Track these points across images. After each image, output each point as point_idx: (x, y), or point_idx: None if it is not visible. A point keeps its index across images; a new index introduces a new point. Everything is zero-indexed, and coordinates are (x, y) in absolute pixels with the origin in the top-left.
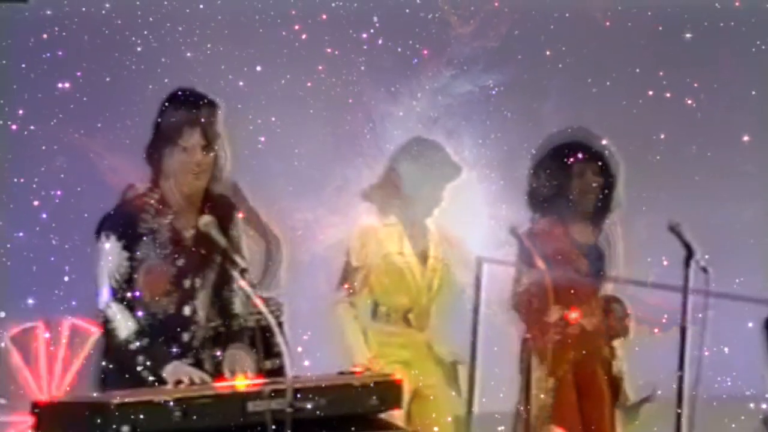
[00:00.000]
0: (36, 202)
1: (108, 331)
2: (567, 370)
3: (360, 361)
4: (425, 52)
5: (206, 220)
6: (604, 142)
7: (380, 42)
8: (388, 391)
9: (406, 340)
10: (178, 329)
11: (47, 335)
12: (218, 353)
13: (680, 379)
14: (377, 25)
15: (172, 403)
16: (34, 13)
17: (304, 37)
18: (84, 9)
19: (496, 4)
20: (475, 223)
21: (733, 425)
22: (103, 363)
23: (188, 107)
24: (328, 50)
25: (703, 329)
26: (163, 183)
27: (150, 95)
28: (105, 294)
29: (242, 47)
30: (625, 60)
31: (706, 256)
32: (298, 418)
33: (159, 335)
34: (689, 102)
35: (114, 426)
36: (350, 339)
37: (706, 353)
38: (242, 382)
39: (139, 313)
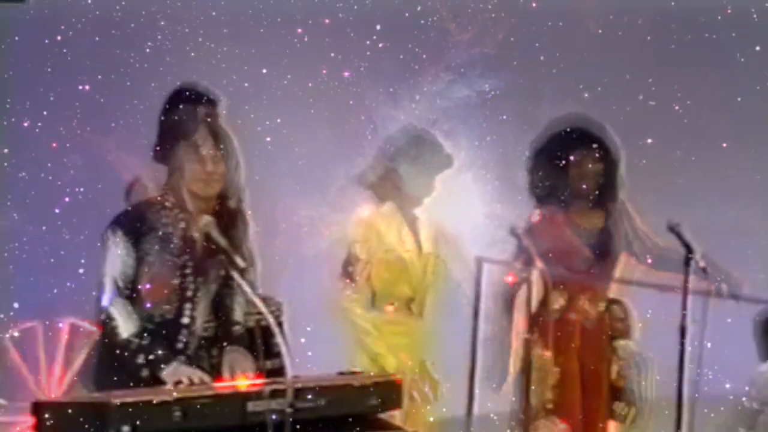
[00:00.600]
0: (36, 202)
1: (109, 329)
2: (572, 361)
3: (374, 352)
4: (424, 56)
5: (206, 220)
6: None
7: (381, 46)
8: (388, 391)
9: (407, 328)
10: (179, 331)
11: (47, 335)
12: (216, 355)
13: (680, 379)
14: (379, 30)
15: (172, 403)
16: (34, 13)
17: (306, 40)
18: (85, 9)
19: (493, 14)
20: (470, 221)
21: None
22: (103, 362)
23: (195, 107)
24: (332, 54)
25: (703, 329)
26: (174, 184)
27: (154, 95)
28: (109, 292)
29: (248, 50)
30: (615, 66)
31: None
32: (298, 418)
33: (160, 336)
34: (676, 107)
35: (114, 426)
36: (361, 332)
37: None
38: (242, 382)
39: (143, 313)
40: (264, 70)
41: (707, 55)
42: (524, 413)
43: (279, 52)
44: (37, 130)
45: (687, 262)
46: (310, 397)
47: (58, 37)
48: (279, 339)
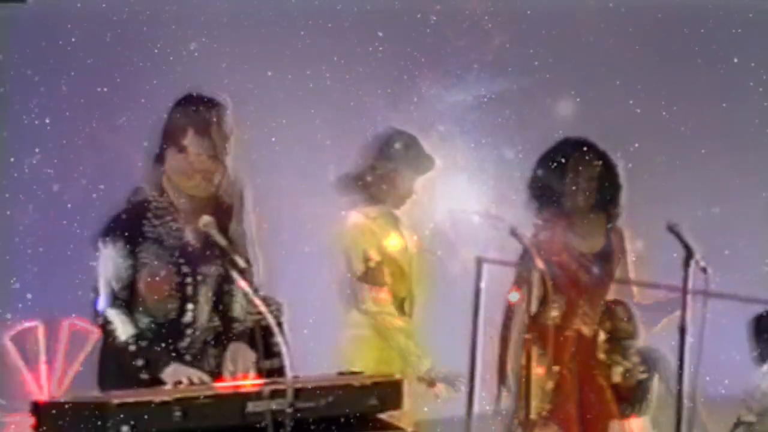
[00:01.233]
0: (36, 202)
1: (107, 333)
2: (567, 369)
3: (414, 353)
4: (423, 60)
5: (206, 220)
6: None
7: (381, 50)
8: (388, 391)
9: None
10: (178, 332)
11: (47, 335)
12: (219, 353)
13: (680, 379)
14: (380, 36)
15: (172, 403)
16: (34, 13)
17: (308, 42)
18: (86, 9)
19: (490, 24)
20: (465, 221)
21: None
22: (105, 367)
23: (194, 110)
24: (335, 58)
25: (702, 329)
26: (168, 186)
27: (153, 96)
28: (105, 297)
29: (252, 51)
30: (606, 73)
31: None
32: (298, 418)
33: (159, 338)
34: (664, 113)
35: (114, 426)
36: (399, 333)
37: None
38: (242, 383)
39: (140, 316)
40: (269, 72)
41: (696, 61)
42: (521, 423)
43: (282, 54)
44: (39, 130)
45: (687, 262)
46: (310, 397)
47: (59, 38)
48: (279, 339)
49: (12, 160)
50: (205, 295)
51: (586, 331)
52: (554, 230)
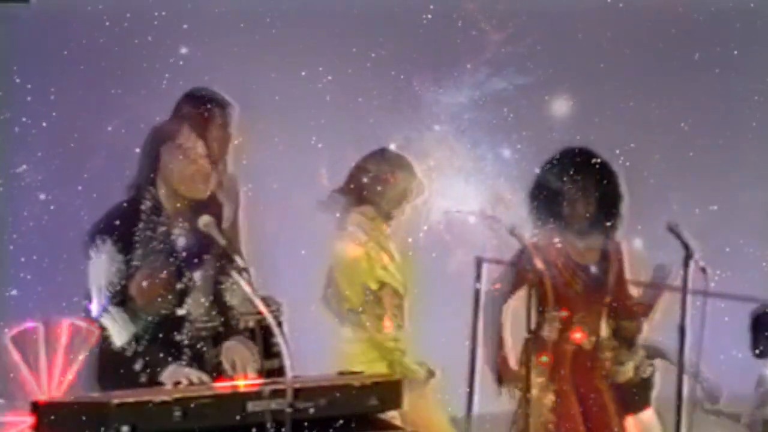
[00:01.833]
0: (36, 202)
1: (103, 338)
2: (567, 384)
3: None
4: (418, 60)
5: (206, 220)
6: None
7: (376, 50)
8: (388, 392)
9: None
10: (174, 331)
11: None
12: (216, 351)
13: (680, 379)
14: (375, 37)
15: (171, 403)
16: (37, 14)
17: (305, 45)
18: (88, 9)
19: (486, 24)
20: (464, 222)
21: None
22: (100, 372)
23: (197, 110)
24: (330, 59)
25: (702, 329)
26: (161, 185)
27: (159, 95)
28: (99, 302)
29: (247, 54)
30: (603, 71)
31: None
32: (298, 418)
33: (155, 338)
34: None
35: (114, 426)
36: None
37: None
38: (242, 382)
39: (137, 316)
40: (262, 74)
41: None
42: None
43: (277, 55)
44: (40, 130)
45: (686, 262)
46: (309, 397)
47: (62, 38)
48: (279, 339)
49: (15, 158)
50: (199, 289)
51: (585, 344)
52: (552, 241)
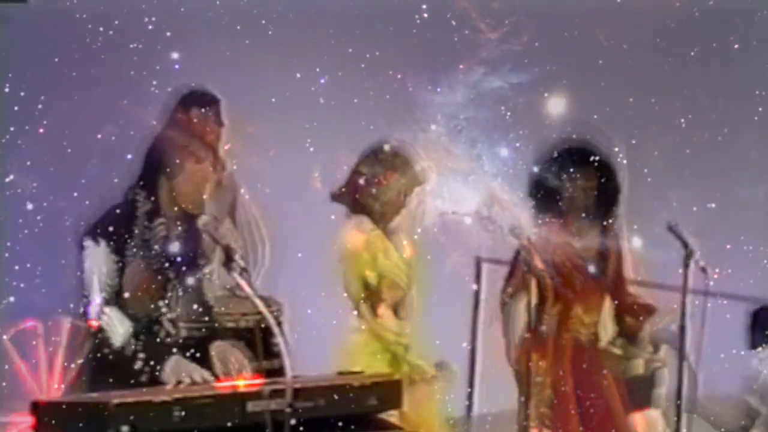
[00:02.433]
0: (35, 202)
1: (102, 339)
2: (565, 380)
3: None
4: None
5: (205, 220)
6: (614, 147)
7: (371, 51)
8: (388, 391)
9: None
10: (162, 331)
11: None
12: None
13: (680, 379)
14: (370, 37)
15: (171, 403)
16: (35, 13)
17: (300, 46)
18: (87, 9)
19: (480, 22)
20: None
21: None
22: (97, 372)
23: (202, 114)
24: (325, 59)
25: (702, 328)
26: (163, 190)
27: (157, 96)
28: (96, 302)
29: (242, 56)
30: (600, 68)
31: None
32: (298, 418)
33: (151, 336)
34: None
35: (113, 426)
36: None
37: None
38: (242, 382)
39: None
40: (255, 76)
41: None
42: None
43: (273, 57)
44: (34, 136)
45: (686, 262)
46: (309, 396)
47: (60, 38)
48: (279, 339)
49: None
50: (186, 292)
51: (582, 338)
52: (551, 233)
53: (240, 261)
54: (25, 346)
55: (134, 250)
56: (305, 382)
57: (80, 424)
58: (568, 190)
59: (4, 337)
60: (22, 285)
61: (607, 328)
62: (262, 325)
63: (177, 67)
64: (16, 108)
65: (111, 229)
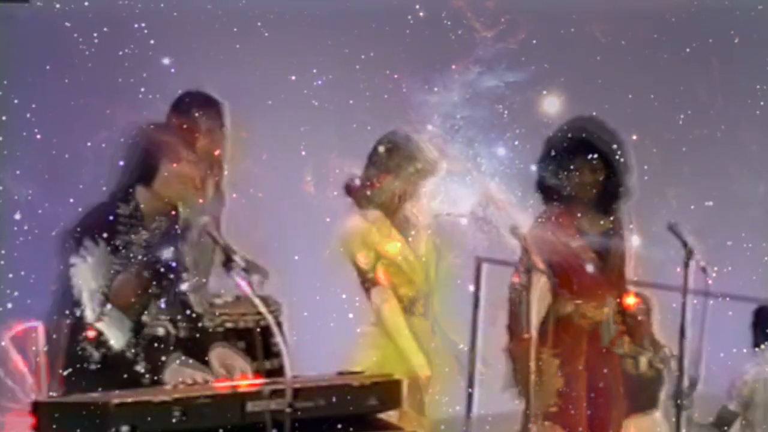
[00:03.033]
0: (35, 202)
1: (101, 343)
2: (578, 367)
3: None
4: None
5: (205, 220)
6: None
7: (366, 51)
8: (388, 392)
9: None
10: (161, 332)
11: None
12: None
13: (680, 378)
14: (364, 38)
15: (171, 403)
16: (37, 13)
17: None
18: (89, 8)
19: (475, 21)
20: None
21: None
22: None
23: (191, 115)
24: (320, 60)
25: (702, 328)
26: (146, 188)
27: (158, 96)
28: (92, 306)
29: (236, 58)
30: (615, 71)
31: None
32: (298, 418)
33: (147, 341)
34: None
35: (114, 426)
36: (404, 344)
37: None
38: (242, 382)
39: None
40: (249, 78)
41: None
42: (525, 416)
43: (267, 58)
44: (41, 130)
45: (687, 262)
46: (309, 397)
47: (62, 37)
48: (278, 339)
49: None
50: (175, 295)
51: (598, 317)
52: (558, 220)
53: (240, 261)
54: (26, 346)
55: (123, 250)
56: (305, 382)
57: (80, 424)
58: (566, 181)
59: (5, 337)
60: (15, 300)
61: (611, 328)
62: (262, 324)
63: (173, 71)
64: (4, 118)
65: (101, 229)
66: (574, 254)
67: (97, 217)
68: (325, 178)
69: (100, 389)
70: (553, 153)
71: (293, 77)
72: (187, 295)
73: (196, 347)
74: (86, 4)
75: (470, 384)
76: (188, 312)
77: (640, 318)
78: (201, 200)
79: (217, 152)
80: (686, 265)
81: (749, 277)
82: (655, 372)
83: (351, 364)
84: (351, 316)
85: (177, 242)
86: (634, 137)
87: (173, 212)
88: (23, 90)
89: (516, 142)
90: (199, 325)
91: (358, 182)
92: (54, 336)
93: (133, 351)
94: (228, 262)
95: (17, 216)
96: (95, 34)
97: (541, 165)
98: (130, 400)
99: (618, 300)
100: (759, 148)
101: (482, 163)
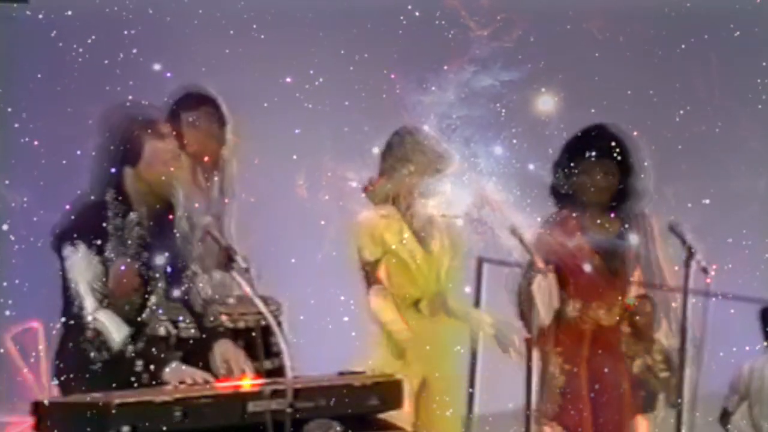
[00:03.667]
0: (34, 202)
1: (99, 343)
2: (581, 366)
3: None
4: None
5: (207, 220)
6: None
7: (360, 52)
8: (389, 391)
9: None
10: (161, 331)
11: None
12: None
13: (680, 379)
14: (359, 38)
15: (172, 403)
16: (36, 13)
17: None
18: (88, 9)
19: (469, 20)
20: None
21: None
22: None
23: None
24: (315, 61)
25: (703, 328)
26: (132, 177)
27: (158, 95)
28: (90, 304)
29: (231, 59)
30: (612, 68)
31: None
32: (298, 419)
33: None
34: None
35: (114, 426)
36: (386, 316)
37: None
38: (242, 382)
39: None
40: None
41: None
42: (526, 414)
43: (263, 59)
44: (35, 137)
45: (687, 262)
46: (309, 397)
47: (61, 37)
48: (279, 339)
49: (13, 160)
50: (169, 291)
51: (604, 321)
52: (570, 222)
53: (242, 262)
54: (26, 346)
55: (113, 250)
56: (305, 382)
57: (80, 424)
58: (577, 182)
59: (5, 336)
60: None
61: (619, 329)
62: (262, 323)
63: (189, 65)
64: (18, 105)
65: (86, 227)
66: (579, 256)
67: (84, 208)
68: (318, 182)
69: (100, 389)
70: (568, 156)
71: (288, 79)
72: (188, 294)
73: (196, 347)
74: (70, 12)
75: (470, 384)
76: (189, 311)
77: (646, 319)
78: (204, 201)
79: (219, 152)
80: (687, 266)
81: (750, 275)
82: (659, 372)
83: (362, 362)
84: (346, 319)
85: (172, 229)
86: (635, 134)
87: (163, 196)
88: (18, 96)
89: (513, 141)
90: (199, 322)
91: (375, 177)
92: (54, 336)
93: (133, 351)
94: (229, 263)
95: (5, 226)
96: (88, 41)
97: (557, 169)
98: (130, 400)
99: (624, 301)
100: (758, 144)
101: (479, 162)
